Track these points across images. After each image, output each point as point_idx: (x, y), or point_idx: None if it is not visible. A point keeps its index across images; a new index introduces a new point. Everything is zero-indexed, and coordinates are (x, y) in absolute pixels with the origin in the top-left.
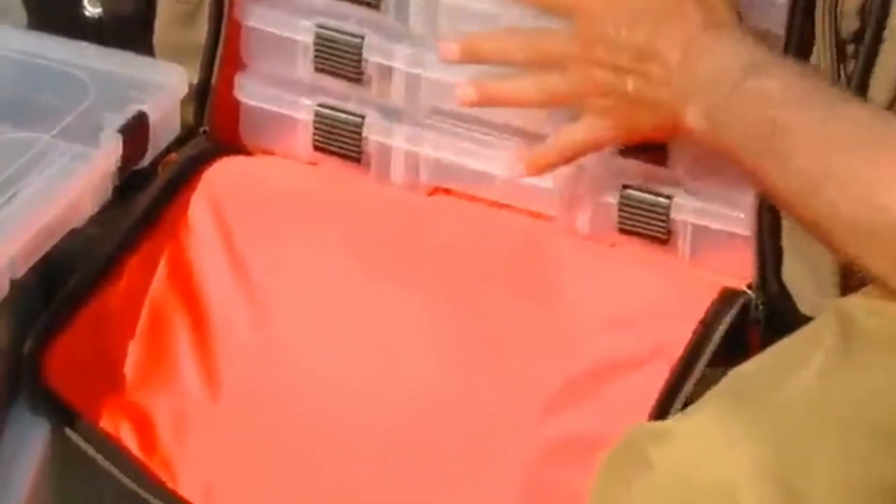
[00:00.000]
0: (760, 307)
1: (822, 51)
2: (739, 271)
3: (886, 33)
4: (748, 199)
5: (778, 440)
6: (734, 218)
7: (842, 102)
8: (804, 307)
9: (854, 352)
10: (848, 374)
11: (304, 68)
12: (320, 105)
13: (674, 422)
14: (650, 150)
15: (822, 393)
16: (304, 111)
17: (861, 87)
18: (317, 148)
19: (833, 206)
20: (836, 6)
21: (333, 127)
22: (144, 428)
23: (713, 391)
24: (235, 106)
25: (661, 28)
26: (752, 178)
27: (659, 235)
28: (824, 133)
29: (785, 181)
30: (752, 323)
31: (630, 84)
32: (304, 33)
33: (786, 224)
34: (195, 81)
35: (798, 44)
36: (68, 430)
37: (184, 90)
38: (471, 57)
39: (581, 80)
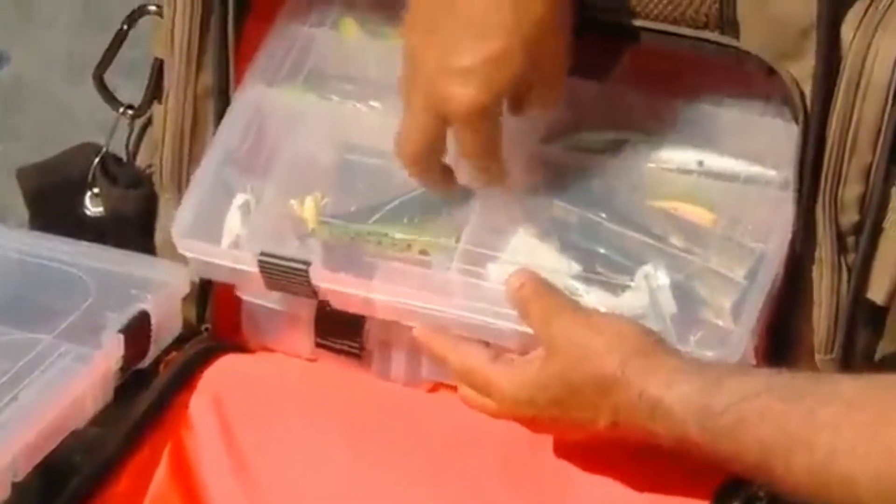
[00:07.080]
0: (764, 499)
1: (823, 243)
2: None
3: (885, 225)
4: None
5: None
6: None
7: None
8: None
9: None
10: None
11: None
12: (321, 302)
13: None
14: None
15: None
16: (305, 308)
17: (861, 279)
18: (318, 345)
19: (851, 480)
20: (836, 197)
21: (334, 324)
22: None
23: None
24: (237, 304)
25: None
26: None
27: None
28: (815, 421)
29: (791, 472)
30: None
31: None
32: None
33: None
34: (196, 280)
35: (802, 238)
36: None
37: (185, 289)
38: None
39: None
